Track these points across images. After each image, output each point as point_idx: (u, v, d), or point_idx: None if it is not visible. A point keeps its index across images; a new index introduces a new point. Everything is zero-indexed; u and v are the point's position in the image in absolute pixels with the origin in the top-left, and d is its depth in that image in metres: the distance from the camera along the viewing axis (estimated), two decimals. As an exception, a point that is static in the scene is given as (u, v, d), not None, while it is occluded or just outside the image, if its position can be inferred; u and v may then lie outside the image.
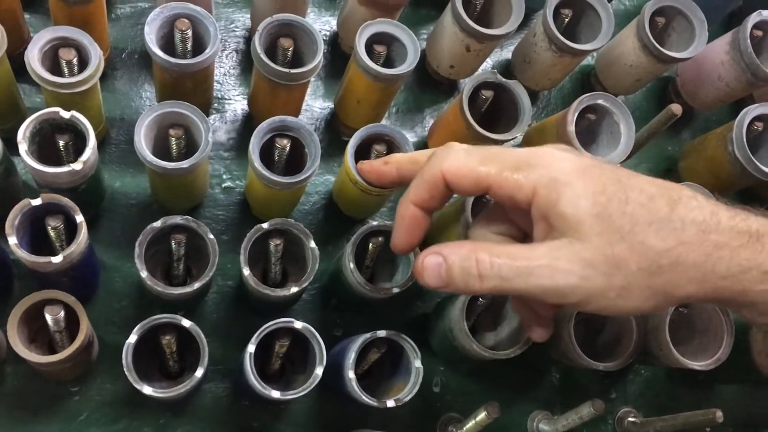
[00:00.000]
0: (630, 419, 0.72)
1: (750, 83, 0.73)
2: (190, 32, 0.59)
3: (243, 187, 0.69)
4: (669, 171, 0.81)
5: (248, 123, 0.71)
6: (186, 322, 0.54)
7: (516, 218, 0.51)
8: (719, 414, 0.63)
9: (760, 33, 0.73)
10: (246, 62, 0.74)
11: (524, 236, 0.51)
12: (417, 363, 0.58)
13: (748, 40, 0.70)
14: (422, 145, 0.75)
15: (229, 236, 0.68)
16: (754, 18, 0.71)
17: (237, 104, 0.72)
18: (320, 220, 0.71)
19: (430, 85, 0.78)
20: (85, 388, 0.62)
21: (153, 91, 0.70)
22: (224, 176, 0.69)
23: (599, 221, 0.43)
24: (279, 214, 0.65)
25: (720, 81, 0.74)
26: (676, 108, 0.64)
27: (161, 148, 0.59)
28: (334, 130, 0.73)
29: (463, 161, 0.47)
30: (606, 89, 0.78)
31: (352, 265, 0.58)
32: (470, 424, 0.62)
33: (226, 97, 0.72)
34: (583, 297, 0.44)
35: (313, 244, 0.58)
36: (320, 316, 0.68)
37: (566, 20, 0.69)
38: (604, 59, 0.77)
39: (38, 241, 0.55)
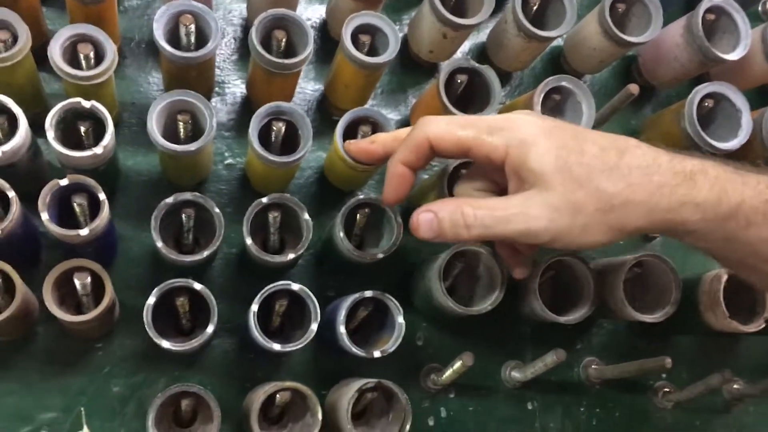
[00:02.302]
0: (593, 367, 0.81)
1: (702, 63, 0.80)
2: (193, 27, 0.66)
3: (243, 163, 0.76)
4: (633, 143, 0.89)
5: (246, 105, 0.78)
6: (197, 286, 0.62)
7: (493, 175, 0.59)
8: (668, 360, 0.71)
9: (712, 17, 0.79)
10: (243, 49, 0.80)
11: (501, 190, 0.59)
12: (400, 319, 0.66)
13: (700, 25, 0.77)
14: (406, 122, 0.82)
15: (231, 208, 0.75)
16: (706, 3, 0.78)
17: (236, 88, 0.78)
18: (314, 192, 0.78)
19: (412, 67, 0.84)
20: (108, 344, 0.69)
21: (160, 77, 0.76)
22: (226, 154, 0.76)
23: (561, 172, 0.51)
24: (276, 188, 0.73)
25: (676, 61, 0.81)
26: (634, 88, 0.71)
27: (170, 131, 0.66)
28: (325, 111, 0.80)
29: (445, 127, 0.56)
30: (574, 69, 0.85)
31: (341, 234, 0.66)
32: (448, 372, 0.70)
33: (226, 81, 0.78)
34: (552, 236, 0.53)
35: (307, 216, 0.65)
36: (315, 279, 0.76)
37: (534, 8, 0.76)
38: (570, 42, 0.83)
39: (63, 216, 0.62)
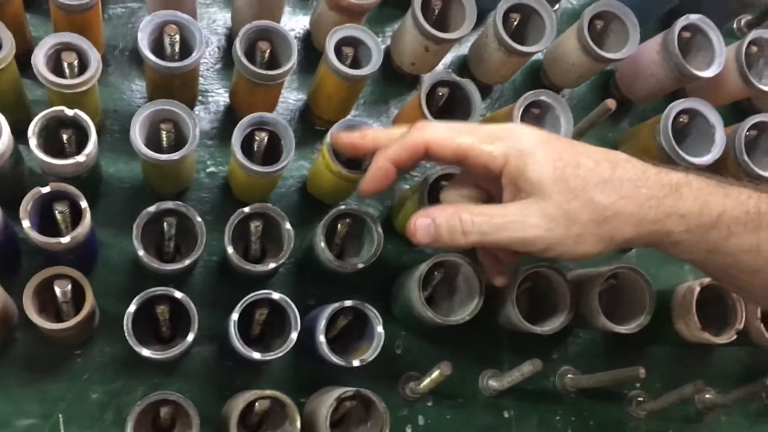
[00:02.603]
0: (569, 376, 0.82)
1: (678, 79, 0.81)
2: (177, 37, 0.66)
3: (225, 172, 0.77)
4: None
5: (229, 113, 0.79)
6: (178, 294, 0.62)
7: (482, 183, 0.61)
8: (642, 370, 0.73)
9: (687, 34, 0.81)
10: (227, 58, 0.81)
11: (487, 198, 0.61)
12: (379, 328, 0.66)
13: (676, 42, 0.79)
14: (387, 133, 0.83)
15: (213, 216, 0.75)
16: (681, 21, 0.80)
17: (219, 97, 0.79)
18: (295, 201, 0.78)
19: (395, 79, 0.85)
20: (87, 351, 0.69)
21: (143, 85, 0.77)
22: (208, 162, 0.77)
23: (558, 183, 0.53)
24: (258, 197, 0.73)
25: (652, 77, 0.83)
26: (611, 103, 0.72)
27: (152, 140, 0.66)
28: (308, 121, 0.81)
29: (445, 133, 0.57)
30: (553, 83, 0.87)
31: (322, 244, 0.66)
32: (426, 380, 0.71)
33: (210, 90, 0.79)
34: (547, 245, 0.54)
35: (288, 225, 0.66)
36: (295, 287, 0.76)
37: (515, 23, 0.77)
38: (550, 57, 0.85)
39: (45, 223, 0.62)
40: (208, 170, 0.77)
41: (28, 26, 0.71)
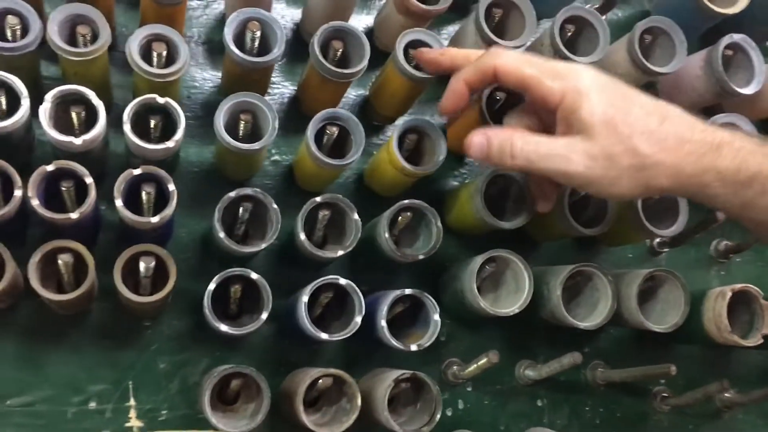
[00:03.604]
0: (599, 370, 0.87)
1: (719, 95, 0.86)
2: (259, 33, 0.70)
3: (289, 160, 0.81)
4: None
5: (292, 105, 0.82)
6: (254, 275, 0.66)
7: (542, 114, 0.66)
8: (673, 368, 0.77)
9: (730, 52, 0.85)
10: (293, 53, 0.83)
11: (545, 128, 0.66)
12: (436, 316, 0.71)
13: (720, 60, 0.83)
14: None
15: (276, 203, 0.79)
16: (726, 40, 0.84)
17: (284, 89, 0.82)
18: (351, 191, 0.82)
19: (447, 79, 0.89)
20: (157, 324, 0.74)
21: (214, 74, 0.80)
22: (273, 151, 0.81)
23: (606, 127, 0.59)
24: (320, 187, 0.78)
25: (693, 91, 0.87)
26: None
27: (229, 128, 0.70)
28: (367, 116, 0.84)
29: (514, 62, 0.63)
30: (598, 91, 0.91)
31: (386, 234, 0.71)
32: (473, 367, 0.76)
33: (275, 83, 0.82)
34: (585, 182, 0.60)
35: (356, 216, 0.70)
36: (347, 274, 0.81)
37: (569, 34, 0.81)
38: (599, 66, 0.89)
39: (48, 197, 0.63)
40: (272, 158, 0.81)
41: (115, 17, 0.75)
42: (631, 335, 0.90)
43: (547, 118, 0.65)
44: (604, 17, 0.92)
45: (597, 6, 0.90)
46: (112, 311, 0.72)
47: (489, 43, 0.78)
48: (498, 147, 0.62)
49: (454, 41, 0.85)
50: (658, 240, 0.92)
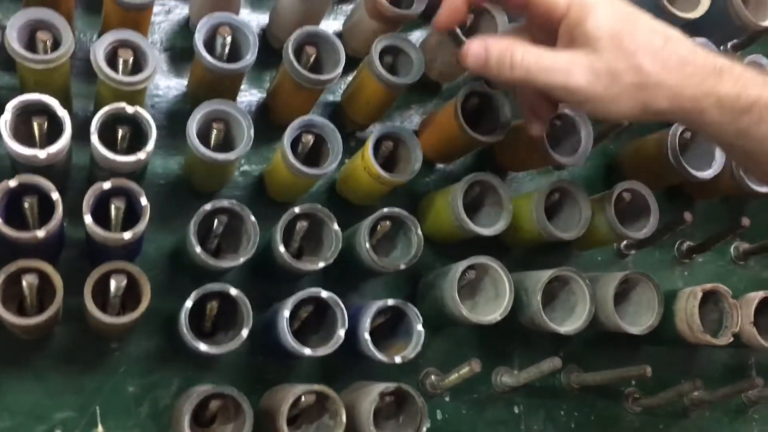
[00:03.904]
0: (575, 373, 0.87)
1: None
2: (230, 38, 0.67)
3: (258, 170, 0.78)
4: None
5: (261, 113, 0.79)
6: (233, 291, 0.64)
7: (539, 34, 0.63)
8: (648, 369, 0.78)
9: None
10: (259, 59, 0.81)
11: None
12: (419, 327, 0.70)
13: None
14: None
15: (248, 215, 0.77)
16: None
17: (252, 96, 0.80)
18: (323, 201, 0.80)
19: (415, 86, 0.88)
20: (124, 345, 0.70)
21: (179, 81, 0.77)
22: (242, 161, 0.78)
23: (612, 41, 0.57)
24: (293, 197, 0.76)
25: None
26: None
27: (200, 138, 0.67)
28: (338, 123, 0.82)
29: None
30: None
31: (367, 245, 0.69)
32: (454, 376, 0.75)
33: (243, 90, 0.79)
34: (584, 97, 0.58)
35: (336, 226, 0.68)
36: (326, 284, 0.78)
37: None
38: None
39: (10, 215, 0.60)
40: (241, 169, 0.78)
41: (74, 22, 0.71)
42: (602, 338, 0.91)
43: (544, 39, 0.62)
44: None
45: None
46: (77, 333, 0.69)
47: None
48: (497, 57, 0.59)
49: (423, 48, 0.84)
50: (625, 242, 0.93)
